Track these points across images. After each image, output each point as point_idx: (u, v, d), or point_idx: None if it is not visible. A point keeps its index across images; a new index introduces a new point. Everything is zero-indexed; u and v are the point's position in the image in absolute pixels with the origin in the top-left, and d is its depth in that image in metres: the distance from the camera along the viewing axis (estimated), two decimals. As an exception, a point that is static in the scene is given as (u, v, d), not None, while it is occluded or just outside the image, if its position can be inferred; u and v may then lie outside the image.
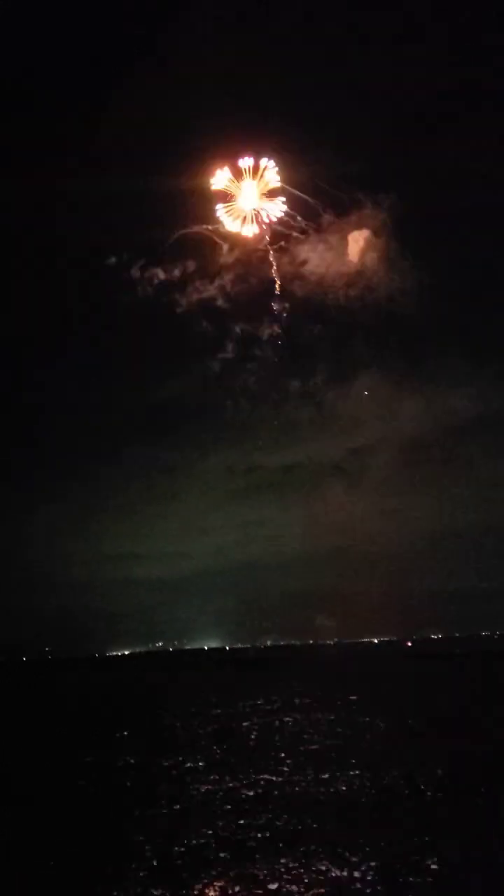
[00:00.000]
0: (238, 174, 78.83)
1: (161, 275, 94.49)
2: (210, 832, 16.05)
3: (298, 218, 79.21)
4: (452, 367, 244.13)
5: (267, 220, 76.69)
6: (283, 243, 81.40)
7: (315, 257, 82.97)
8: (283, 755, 26.49)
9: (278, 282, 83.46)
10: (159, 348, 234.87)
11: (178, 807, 18.51)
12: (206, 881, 13.18)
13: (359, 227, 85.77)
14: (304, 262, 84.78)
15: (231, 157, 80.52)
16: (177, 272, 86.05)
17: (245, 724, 36.75)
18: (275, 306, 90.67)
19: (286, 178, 79.35)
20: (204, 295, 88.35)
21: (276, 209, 78.00)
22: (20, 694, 74.97)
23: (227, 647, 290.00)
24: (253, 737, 31.29)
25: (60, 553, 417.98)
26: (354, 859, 13.37)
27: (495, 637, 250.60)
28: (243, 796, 19.32)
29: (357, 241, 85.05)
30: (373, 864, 13.16)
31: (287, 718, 38.55)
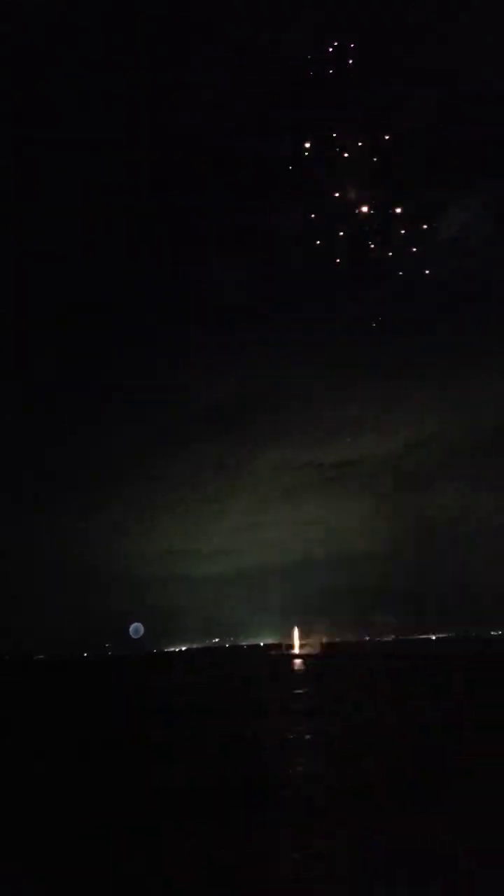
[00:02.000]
0: None
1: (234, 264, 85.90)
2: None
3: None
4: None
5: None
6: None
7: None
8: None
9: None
10: (220, 343, 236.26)
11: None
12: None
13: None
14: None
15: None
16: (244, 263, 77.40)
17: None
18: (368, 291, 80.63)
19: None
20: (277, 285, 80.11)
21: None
22: (76, 690, 77.53)
23: (284, 643, 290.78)
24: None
25: (120, 552, 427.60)
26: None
27: None
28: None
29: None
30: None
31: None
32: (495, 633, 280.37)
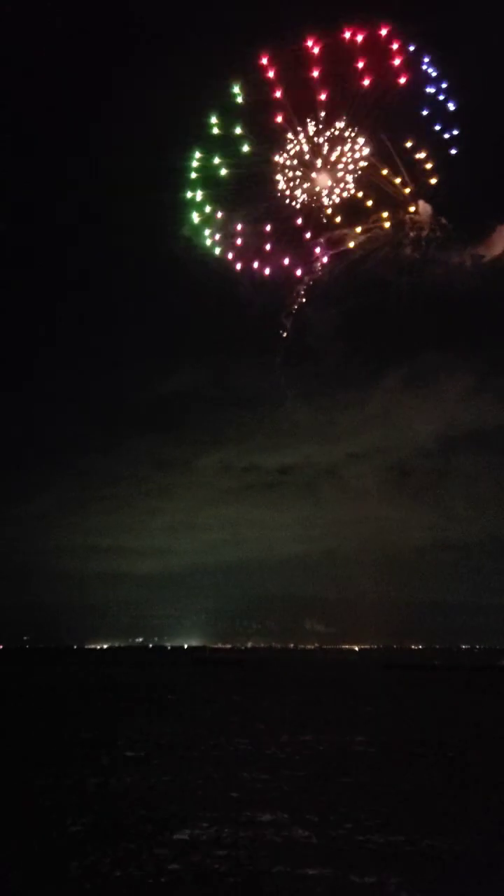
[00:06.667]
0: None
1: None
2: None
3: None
4: (459, 380, 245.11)
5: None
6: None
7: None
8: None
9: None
10: (169, 340, 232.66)
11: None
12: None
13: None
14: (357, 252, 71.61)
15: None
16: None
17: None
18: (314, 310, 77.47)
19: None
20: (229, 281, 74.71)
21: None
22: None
23: (208, 647, 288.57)
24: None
25: (47, 544, 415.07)
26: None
27: (475, 651, 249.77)
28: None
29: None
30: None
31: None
32: (415, 648, 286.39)
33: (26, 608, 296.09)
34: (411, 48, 60.93)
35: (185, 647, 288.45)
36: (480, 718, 41.02)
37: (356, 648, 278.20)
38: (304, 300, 74.23)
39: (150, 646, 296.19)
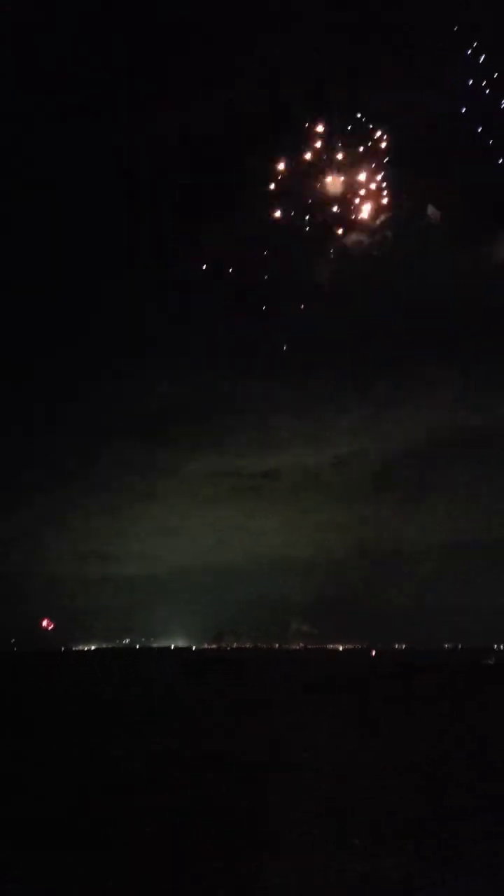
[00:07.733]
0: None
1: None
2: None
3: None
4: (446, 380, 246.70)
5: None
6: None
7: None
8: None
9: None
10: (157, 346, 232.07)
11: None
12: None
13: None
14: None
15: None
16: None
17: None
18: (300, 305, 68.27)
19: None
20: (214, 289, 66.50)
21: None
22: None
23: (194, 647, 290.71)
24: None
25: (35, 549, 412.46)
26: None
27: (458, 650, 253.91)
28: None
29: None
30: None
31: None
32: (398, 647, 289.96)
33: (13, 613, 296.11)
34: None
35: (172, 647, 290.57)
36: (467, 721, 43.46)
37: (340, 648, 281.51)
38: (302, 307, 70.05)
39: (137, 647, 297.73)
